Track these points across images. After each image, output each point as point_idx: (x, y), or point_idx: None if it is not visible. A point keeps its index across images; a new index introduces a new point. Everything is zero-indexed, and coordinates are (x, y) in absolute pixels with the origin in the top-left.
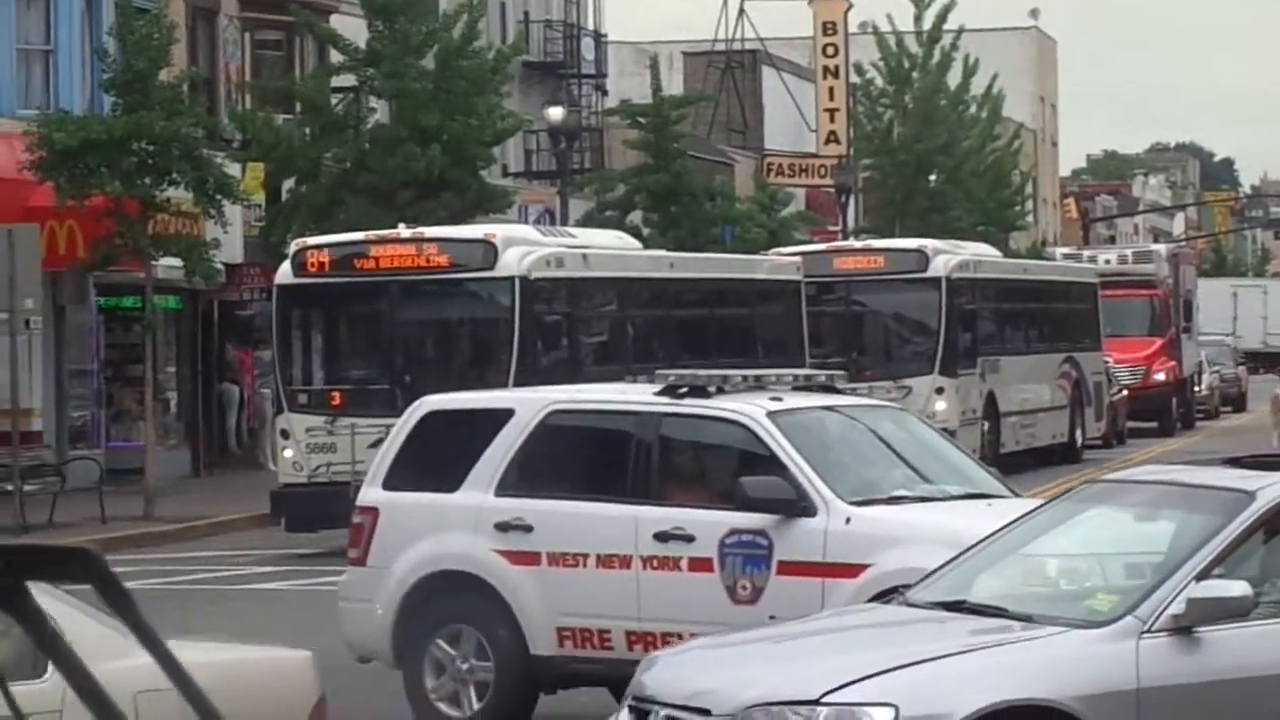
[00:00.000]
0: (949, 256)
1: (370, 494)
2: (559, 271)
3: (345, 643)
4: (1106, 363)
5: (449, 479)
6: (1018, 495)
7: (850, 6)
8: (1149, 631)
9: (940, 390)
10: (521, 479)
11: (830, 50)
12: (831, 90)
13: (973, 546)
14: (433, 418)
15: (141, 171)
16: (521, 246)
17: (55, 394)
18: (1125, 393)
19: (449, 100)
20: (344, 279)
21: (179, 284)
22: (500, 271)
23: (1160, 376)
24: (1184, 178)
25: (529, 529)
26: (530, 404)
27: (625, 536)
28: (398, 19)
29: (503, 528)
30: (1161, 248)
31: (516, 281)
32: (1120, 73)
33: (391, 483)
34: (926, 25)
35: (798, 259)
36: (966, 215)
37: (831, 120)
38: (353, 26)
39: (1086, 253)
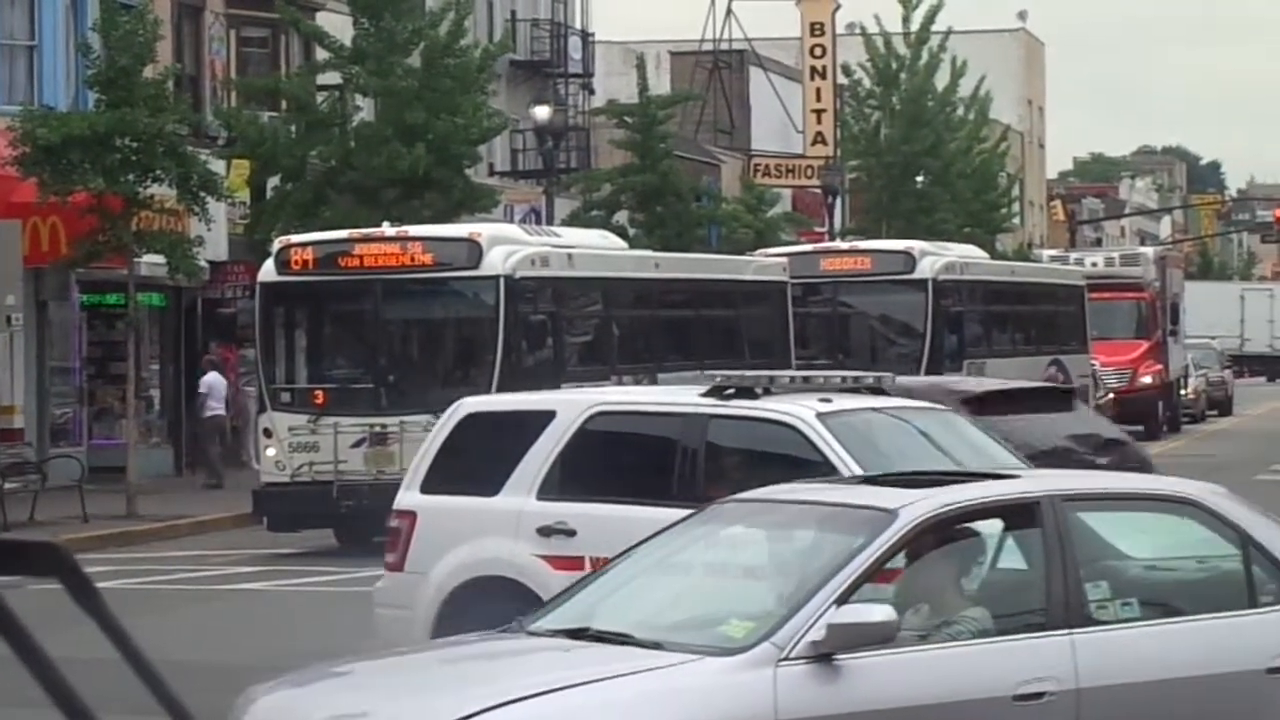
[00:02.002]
0: (935, 258)
1: (407, 498)
2: (544, 271)
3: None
4: (1093, 365)
5: (489, 482)
6: None
7: (838, 7)
8: (787, 659)
9: None
10: (564, 482)
11: (818, 51)
12: (819, 91)
13: (598, 569)
14: (472, 420)
15: (125, 168)
16: (506, 246)
17: (37, 391)
18: (1111, 396)
19: (435, 98)
20: (328, 277)
21: (162, 281)
22: (485, 271)
23: (1146, 380)
24: (1171, 180)
25: (572, 533)
26: (573, 406)
27: None
28: (384, 16)
29: (545, 532)
30: (1148, 250)
31: (501, 281)
32: (1108, 75)
33: (429, 486)
34: (914, 26)
35: (784, 260)
36: (953, 217)
37: (818, 121)
38: (338, 24)
39: (1073, 255)
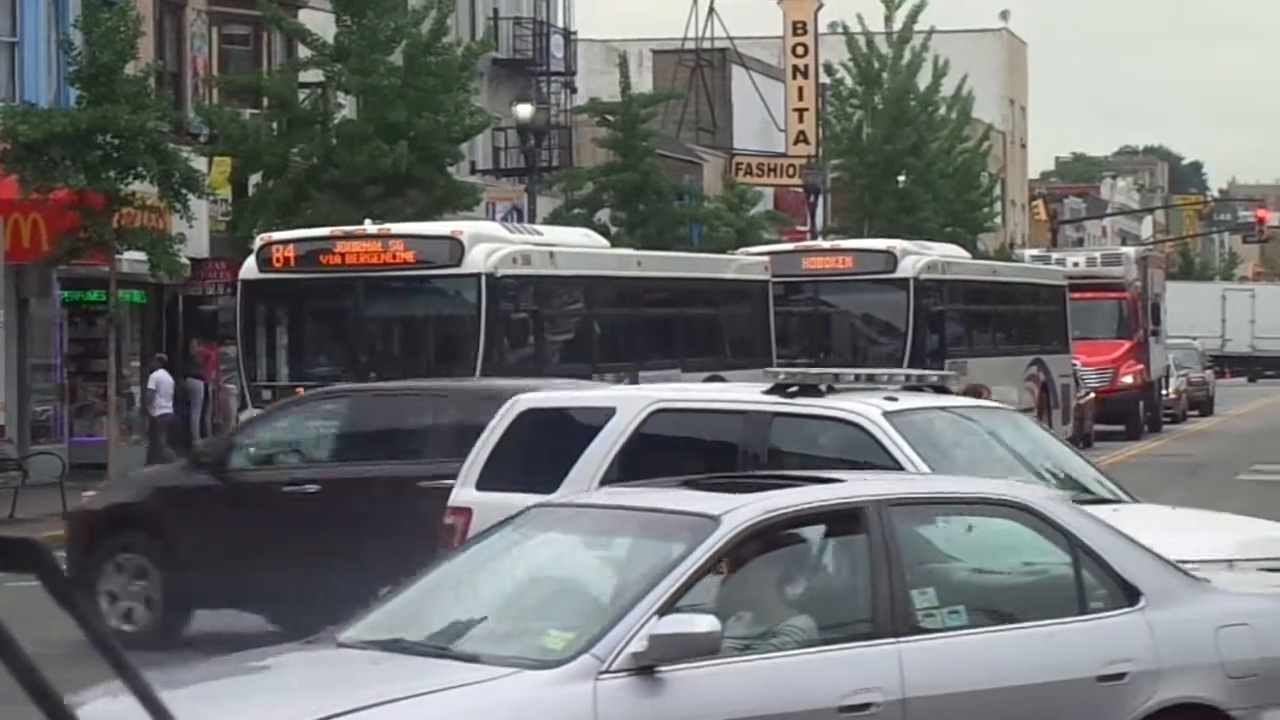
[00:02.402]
0: (917, 257)
1: (463, 494)
2: (526, 269)
3: None
4: (1074, 365)
5: (546, 479)
6: (1136, 500)
7: (820, 6)
8: (607, 672)
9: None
10: (623, 480)
11: (800, 50)
12: (801, 90)
13: (414, 578)
14: (528, 416)
15: (107, 165)
16: (488, 244)
17: (17, 388)
18: (1093, 395)
19: (417, 96)
20: (309, 275)
21: (144, 278)
22: (467, 268)
23: (1128, 379)
24: (1152, 181)
25: None
26: (633, 402)
27: None
28: (366, 14)
29: None
30: (1130, 250)
31: (483, 279)
32: (1090, 76)
33: (485, 483)
34: (897, 26)
35: (766, 259)
36: (935, 216)
37: (800, 120)
38: (321, 21)
39: (1055, 255)
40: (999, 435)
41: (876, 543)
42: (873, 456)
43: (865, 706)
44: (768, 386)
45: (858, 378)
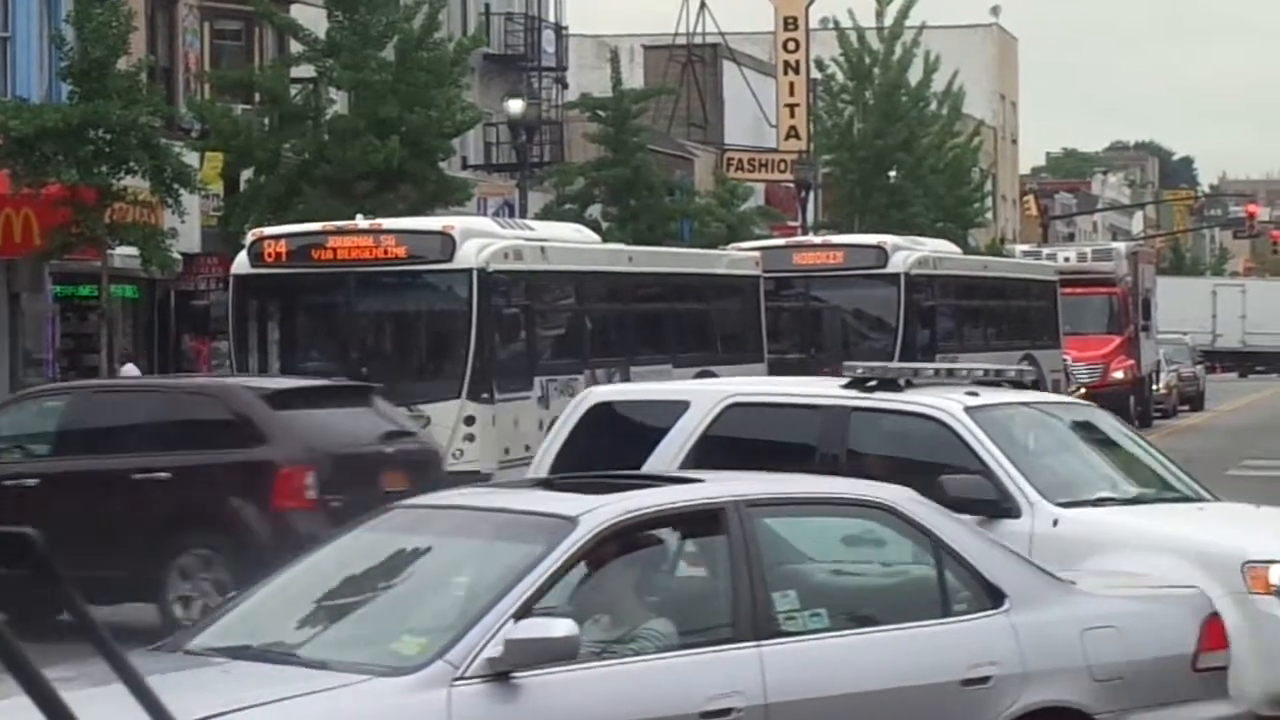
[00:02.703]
0: (908, 253)
1: None
2: (517, 264)
3: None
4: (1065, 360)
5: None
6: (1219, 500)
7: (811, 1)
8: (462, 678)
9: None
10: None
11: (791, 45)
12: (792, 85)
13: (265, 582)
14: (601, 409)
15: (99, 160)
16: (480, 239)
17: (10, 382)
18: (1083, 390)
19: (408, 92)
20: (301, 270)
21: (136, 273)
22: (458, 263)
23: (1118, 375)
24: (1143, 176)
25: None
26: (708, 396)
27: None
28: (357, 9)
29: None
30: (1121, 246)
31: (474, 274)
32: (1081, 71)
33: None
34: (888, 21)
35: (757, 254)
36: (926, 211)
37: (792, 115)
38: (312, 17)
39: (1046, 250)
40: (1077, 431)
41: (737, 544)
42: (954, 452)
43: (726, 712)
44: (845, 381)
45: (936, 372)
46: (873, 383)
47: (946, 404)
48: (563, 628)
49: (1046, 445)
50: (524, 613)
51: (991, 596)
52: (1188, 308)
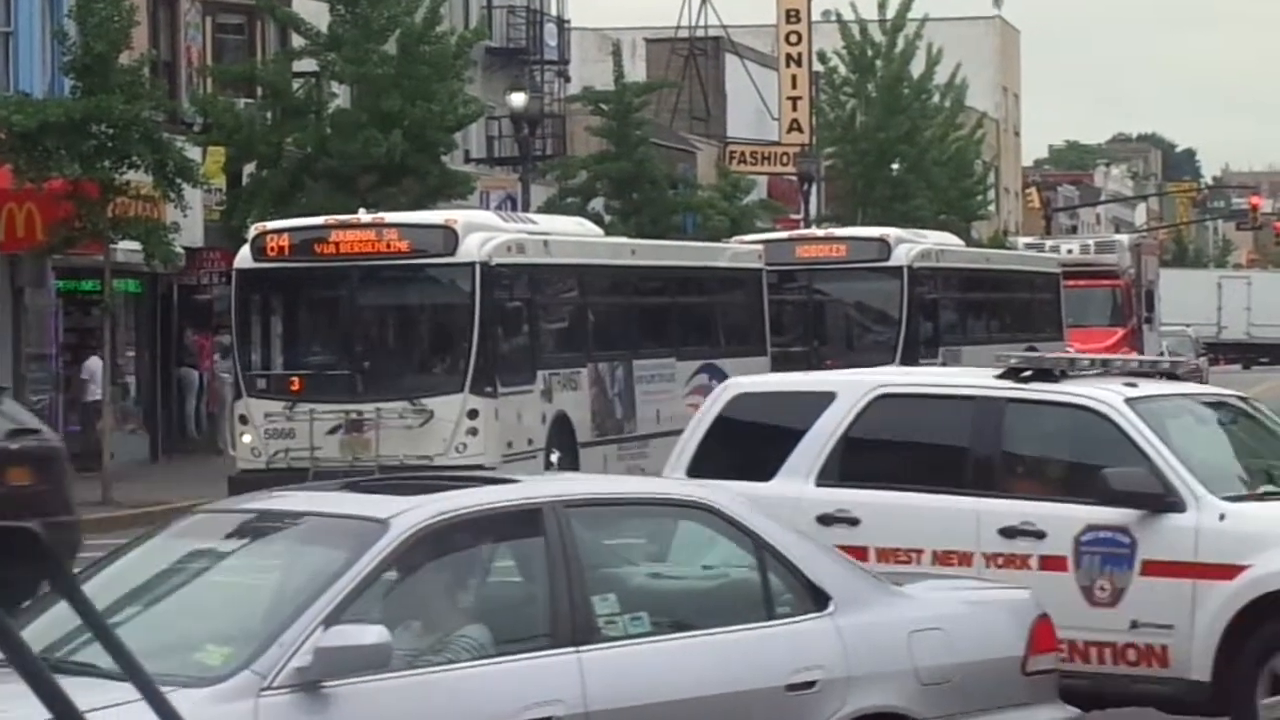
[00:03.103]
0: (911, 245)
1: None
2: (520, 258)
3: None
4: (1068, 353)
5: (761, 466)
6: None
7: None
8: (270, 688)
9: None
10: (845, 468)
11: (793, 38)
12: (794, 78)
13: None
14: (742, 400)
15: (101, 154)
16: (482, 232)
17: (13, 378)
18: None
19: (411, 85)
20: (303, 264)
21: (138, 268)
22: (461, 257)
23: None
24: (1146, 168)
25: (855, 522)
26: (855, 387)
27: (966, 531)
28: (359, 3)
29: (825, 520)
30: (1124, 238)
31: (477, 267)
32: (1083, 63)
33: (696, 469)
34: (890, 14)
35: (759, 247)
36: (929, 204)
37: (794, 108)
38: (314, 10)
39: (1049, 242)
40: (1235, 422)
41: (554, 546)
42: (1114, 445)
43: None
44: (999, 371)
45: (1091, 363)
46: (1027, 373)
47: (1107, 395)
48: (373, 635)
49: (1206, 437)
50: (334, 620)
51: (815, 598)
52: (1193, 300)
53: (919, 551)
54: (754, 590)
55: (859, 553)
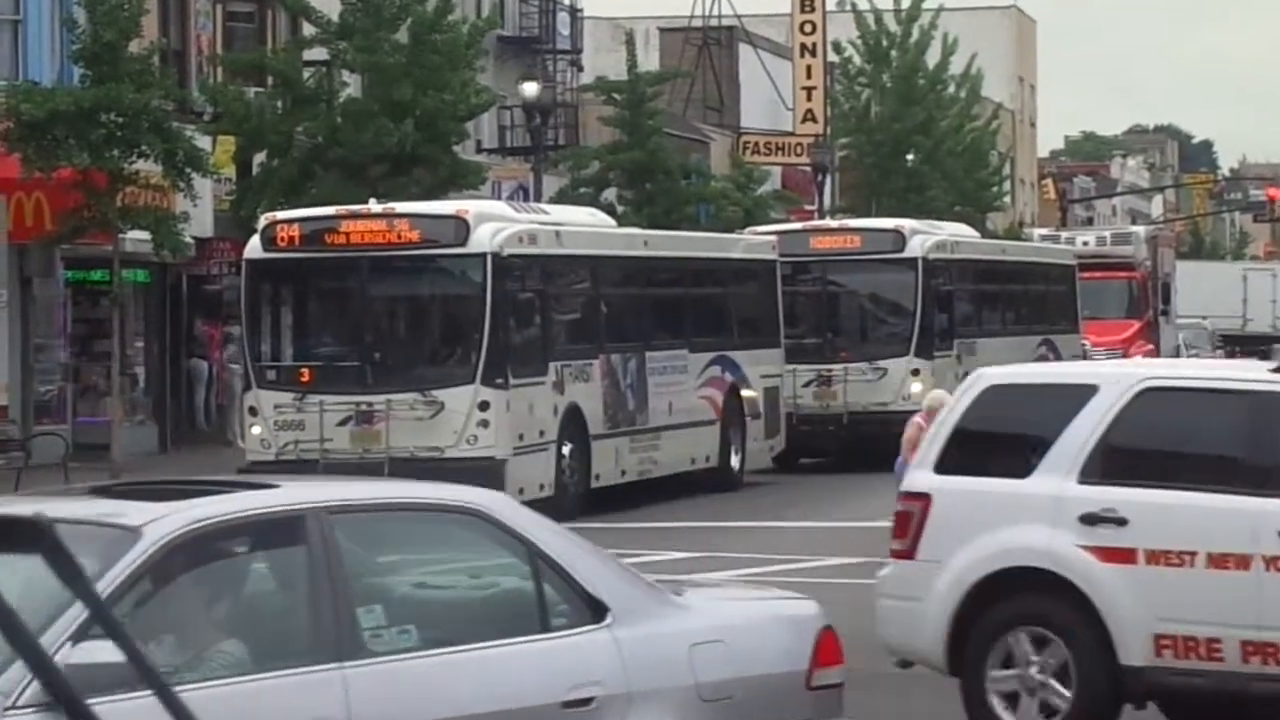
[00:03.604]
0: (926, 237)
1: (920, 478)
2: (531, 248)
3: (884, 644)
4: (1084, 345)
5: (1017, 463)
6: None
7: None
8: (14, 708)
9: (916, 372)
10: (1110, 465)
11: (808, 28)
12: (809, 68)
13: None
14: (994, 393)
15: (110, 144)
16: (494, 223)
17: (21, 368)
18: None
19: (422, 75)
20: (314, 254)
21: (147, 257)
22: (472, 248)
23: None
24: (1162, 160)
25: (1122, 522)
26: (1118, 380)
27: (1242, 533)
28: None
29: (1089, 520)
30: (1140, 230)
31: (488, 258)
32: (1100, 54)
33: (945, 466)
34: (905, 4)
35: (773, 238)
36: (944, 195)
37: (809, 99)
38: None
39: (1064, 234)
40: None
41: (318, 555)
42: None
43: None
44: (1275, 365)
45: None
46: None
47: None
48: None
49: None
50: (82, 635)
51: (593, 610)
52: (1219, 292)
53: (1192, 554)
54: (528, 601)
55: (1127, 555)
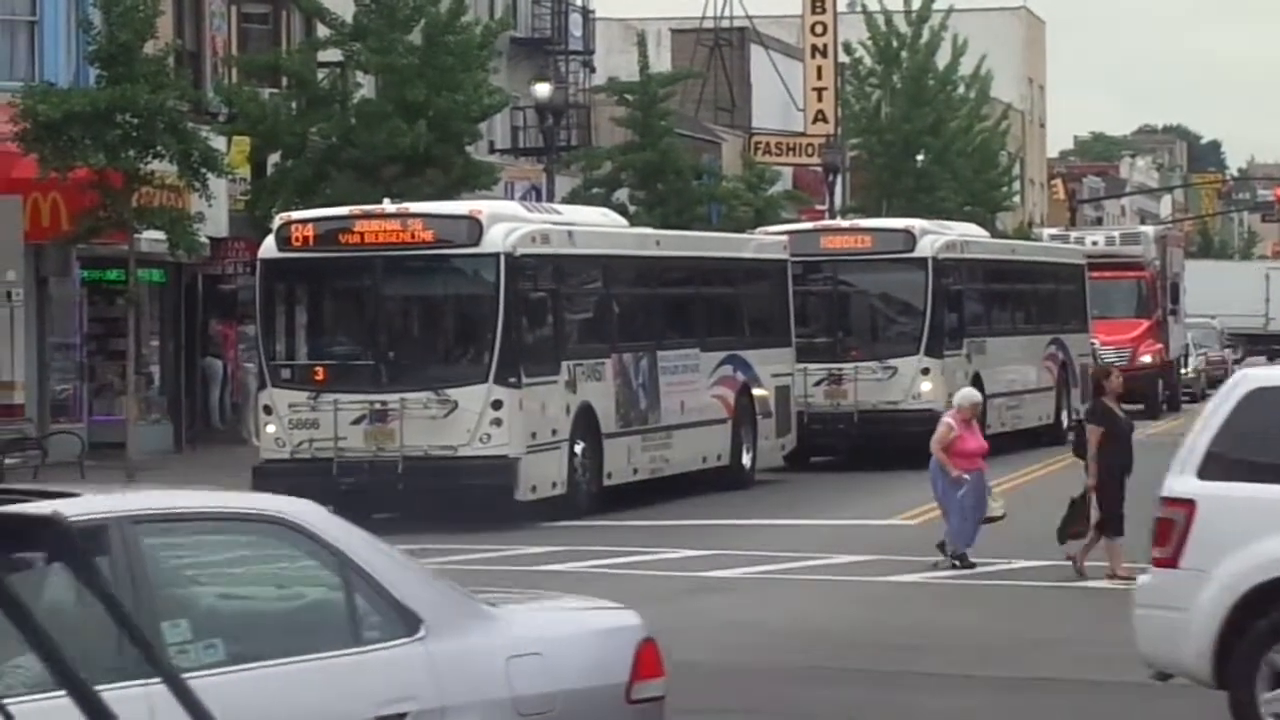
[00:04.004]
0: (936, 236)
1: (1182, 484)
2: (544, 248)
3: (1142, 656)
4: (1093, 344)
5: None
6: None
7: None
8: None
9: (926, 371)
10: None
11: (819, 29)
12: (820, 69)
13: None
14: (1260, 396)
15: (126, 144)
16: (507, 223)
17: (37, 367)
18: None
19: (435, 76)
20: (328, 254)
21: (163, 257)
22: (485, 248)
23: (1146, 359)
24: (1171, 160)
25: None
26: None
27: None
28: None
29: None
30: (1149, 230)
31: (501, 258)
32: (1109, 54)
33: (1210, 471)
34: (915, 5)
35: (784, 238)
36: (953, 195)
37: (819, 99)
38: (339, 0)
39: (1074, 234)
40: None
41: (120, 566)
42: None
43: None
44: None
45: None
46: None
47: None
48: None
49: None
50: None
51: (406, 622)
52: (1241, 292)
53: None
54: (339, 614)
55: None
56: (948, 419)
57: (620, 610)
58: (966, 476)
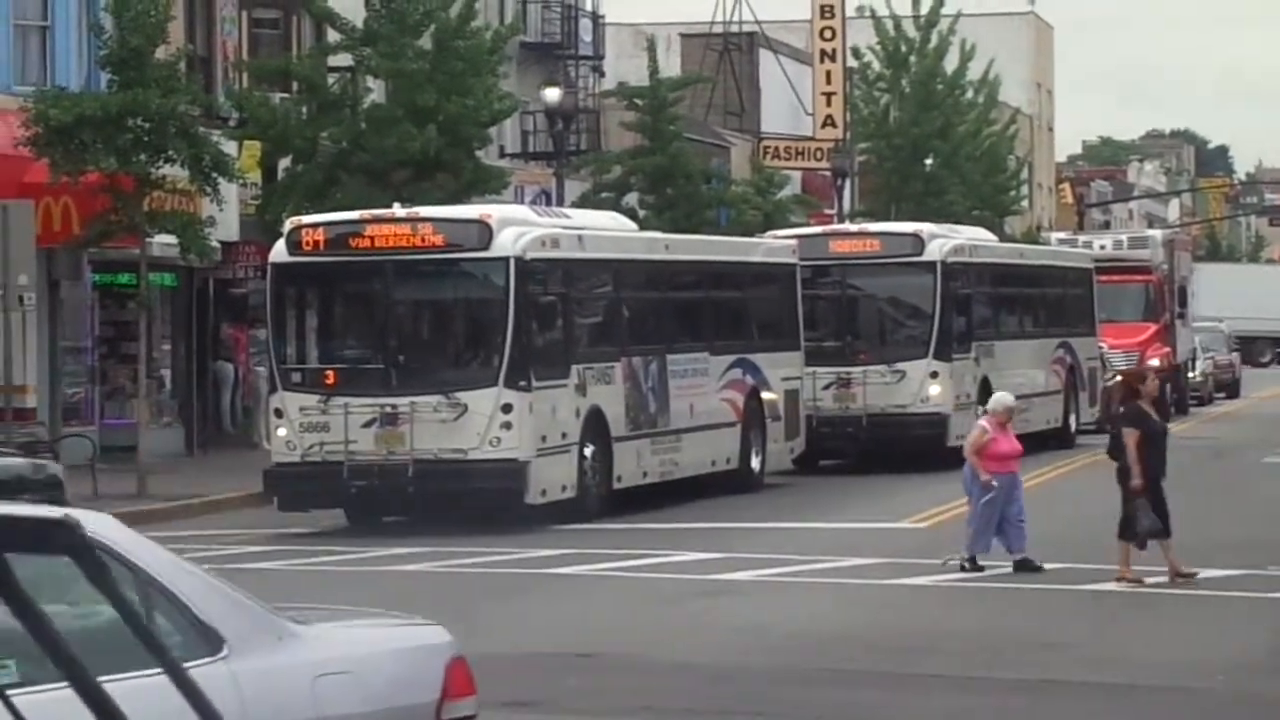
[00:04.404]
0: (944, 240)
1: None
2: (554, 252)
3: None
4: (1101, 348)
5: None
6: None
7: None
8: None
9: (935, 375)
10: None
11: (827, 33)
12: (828, 74)
13: None
14: None
15: (137, 148)
16: (517, 227)
17: (49, 371)
18: (1119, 378)
19: (445, 80)
20: (338, 258)
21: (174, 261)
22: (495, 252)
23: (1154, 362)
24: (1179, 164)
25: None
26: None
27: None
28: None
29: None
30: (1157, 233)
31: (511, 262)
32: (1117, 59)
33: None
34: (924, 9)
35: (793, 242)
36: (962, 199)
37: (828, 104)
38: (350, 5)
39: (1082, 238)
40: None
41: None
42: None
43: None
44: None
45: None
46: None
47: None
48: None
49: None
50: None
51: (207, 641)
52: (1262, 296)
53: None
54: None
55: None
56: (982, 423)
57: (431, 627)
58: (995, 482)
